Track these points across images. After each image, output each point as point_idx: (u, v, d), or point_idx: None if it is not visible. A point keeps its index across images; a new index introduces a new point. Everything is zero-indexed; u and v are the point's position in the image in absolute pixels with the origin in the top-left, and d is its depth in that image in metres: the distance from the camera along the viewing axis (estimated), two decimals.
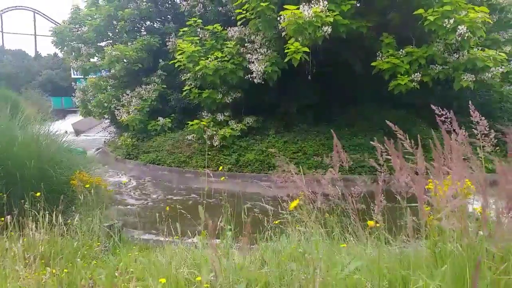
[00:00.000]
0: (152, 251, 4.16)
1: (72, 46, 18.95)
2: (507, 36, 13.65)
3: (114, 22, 17.77)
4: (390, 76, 11.55)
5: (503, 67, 11.84)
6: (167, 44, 16.19)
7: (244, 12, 11.99)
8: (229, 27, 14.23)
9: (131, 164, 16.26)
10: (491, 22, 11.33)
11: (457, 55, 11.21)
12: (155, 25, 19.48)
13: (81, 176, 5.95)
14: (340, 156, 2.70)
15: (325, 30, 10.39)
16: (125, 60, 16.61)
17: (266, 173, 13.33)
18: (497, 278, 1.80)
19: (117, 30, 18.52)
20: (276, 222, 3.97)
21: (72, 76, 32.68)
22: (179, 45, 13.76)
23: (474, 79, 11.04)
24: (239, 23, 12.77)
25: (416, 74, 11.11)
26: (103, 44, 19.46)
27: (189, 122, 15.14)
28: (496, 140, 2.73)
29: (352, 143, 14.40)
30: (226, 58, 13.45)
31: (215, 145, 14.48)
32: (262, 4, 11.05)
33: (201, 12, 15.57)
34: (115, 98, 17.64)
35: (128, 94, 17.11)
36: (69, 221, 4.88)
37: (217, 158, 14.54)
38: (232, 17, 14.66)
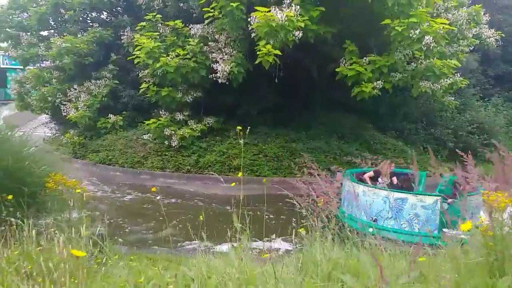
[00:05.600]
0: (167, 262, 3.80)
1: (10, 33, 17.31)
2: (452, 50, 14.69)
3: (62, 11, 16.49)
4: (352, 83, 11.89)
5: (450, 78, 12.76)
6: (121, 38, 15.33)
7: (212, 11, 11.71)
8: (190, 24, 13.82)
9: (79, 164, 15.19)
10: (455, 29, 12.05)
11: (415, 64, 11.85)
12: (105, 17, 18.41)
13: (57, 178, 5.36)
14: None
15: (296, 35, 10.46)
16: (74, 52, 15.46)
17: (227, 175, 13.11)
18: None
19: (62, 20, 17.23)
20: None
21: (1, 65, 29.76)
22: (137, 40, 13.06)
23: (430, 86, 11.75)
24: (206, 21, 12.43)
25: (378, 81, 11.55)
26: (45, 33, 18.01)
27: (144, 121, 14.48)
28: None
29: (309, 146, 14.67)
30: (188, 56, 13.03)
31: (173, 145, 13.98)
32: (232, 4, 10.86)
33: (159, 6, 14.92)
34: (60, 92, 16.34)
35: (75, 89, 15.94)
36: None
37: (174, 159, 14.04)
38: (194, 14, 14.25)
